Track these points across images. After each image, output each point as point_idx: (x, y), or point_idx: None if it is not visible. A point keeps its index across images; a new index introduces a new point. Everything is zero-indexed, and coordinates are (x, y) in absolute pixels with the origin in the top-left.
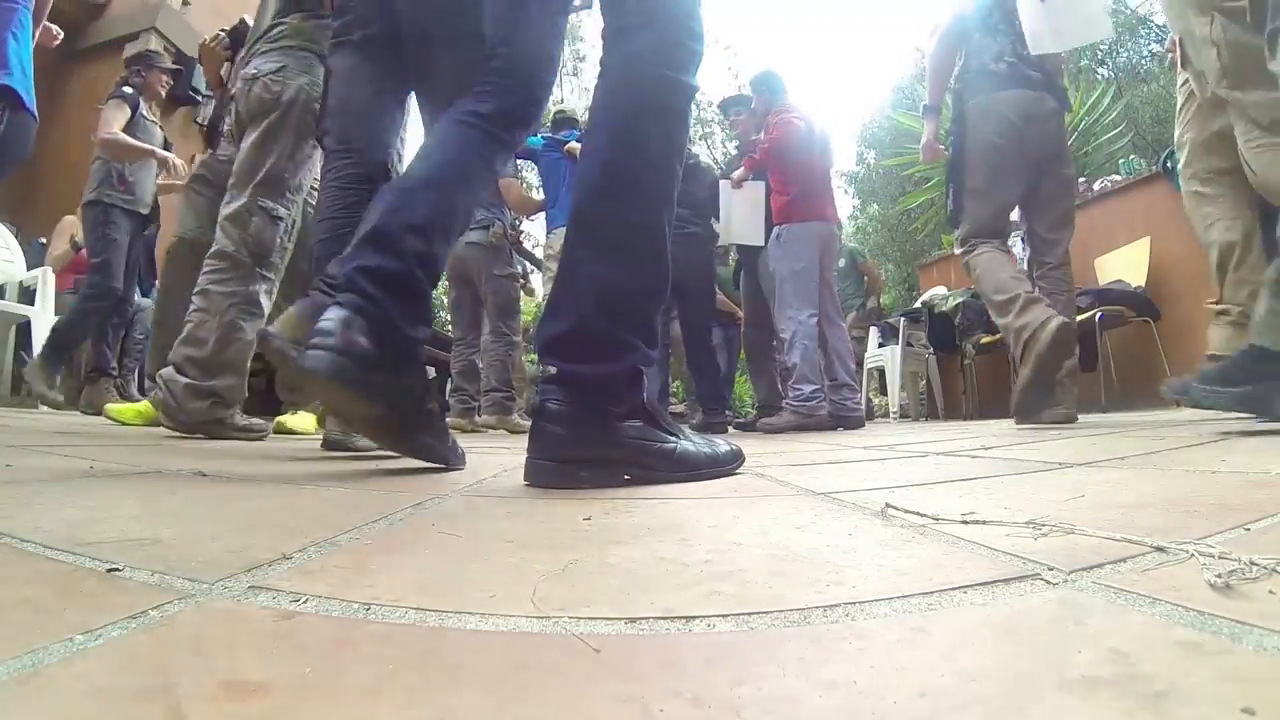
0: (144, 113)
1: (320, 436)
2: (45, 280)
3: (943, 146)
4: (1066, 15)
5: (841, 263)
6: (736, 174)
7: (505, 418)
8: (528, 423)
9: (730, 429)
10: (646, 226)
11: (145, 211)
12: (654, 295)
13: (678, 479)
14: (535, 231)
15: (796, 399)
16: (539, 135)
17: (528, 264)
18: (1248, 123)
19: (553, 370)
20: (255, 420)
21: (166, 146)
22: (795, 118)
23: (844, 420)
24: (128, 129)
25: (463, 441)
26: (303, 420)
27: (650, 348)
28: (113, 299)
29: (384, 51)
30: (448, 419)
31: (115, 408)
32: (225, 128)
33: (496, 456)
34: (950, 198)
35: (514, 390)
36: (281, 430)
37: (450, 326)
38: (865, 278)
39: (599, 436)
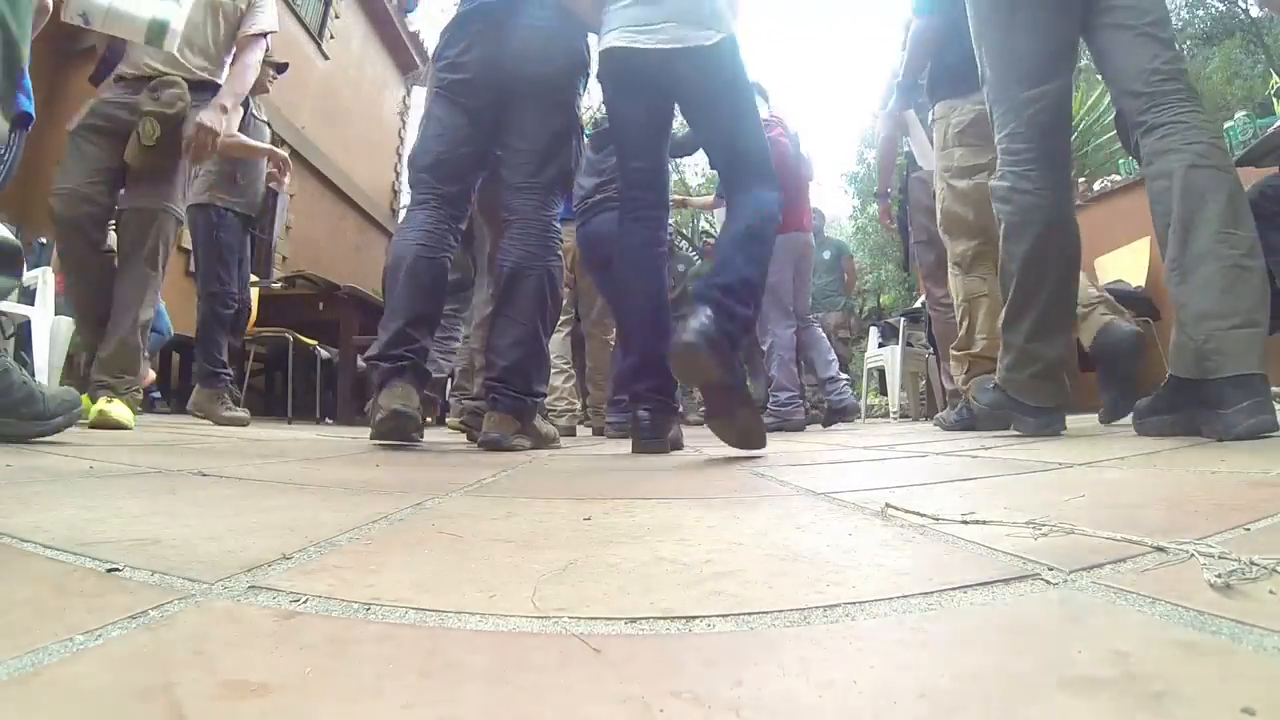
0: (254, 111)
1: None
2: (45, 281)
3: (892, 221)
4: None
5: (826, 255)
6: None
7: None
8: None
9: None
10: (763, 261)
11: (254, 214)
12: (759, 298)
13: (742, 418)
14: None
15: (774, 404)
16: None
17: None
18: (952, 263)
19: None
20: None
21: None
22: (781, 135)
23: (841, 412)
24: (241, 128)
25: (462, 441)
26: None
27: (749, 331)
28: (234, 301)
29: (483, 114)
30: (447, 419)
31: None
32: (120, 70)
33: (496, 456)
34: (905, 250)
35: None
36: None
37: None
38: (845, 276)
39: (725, 357)
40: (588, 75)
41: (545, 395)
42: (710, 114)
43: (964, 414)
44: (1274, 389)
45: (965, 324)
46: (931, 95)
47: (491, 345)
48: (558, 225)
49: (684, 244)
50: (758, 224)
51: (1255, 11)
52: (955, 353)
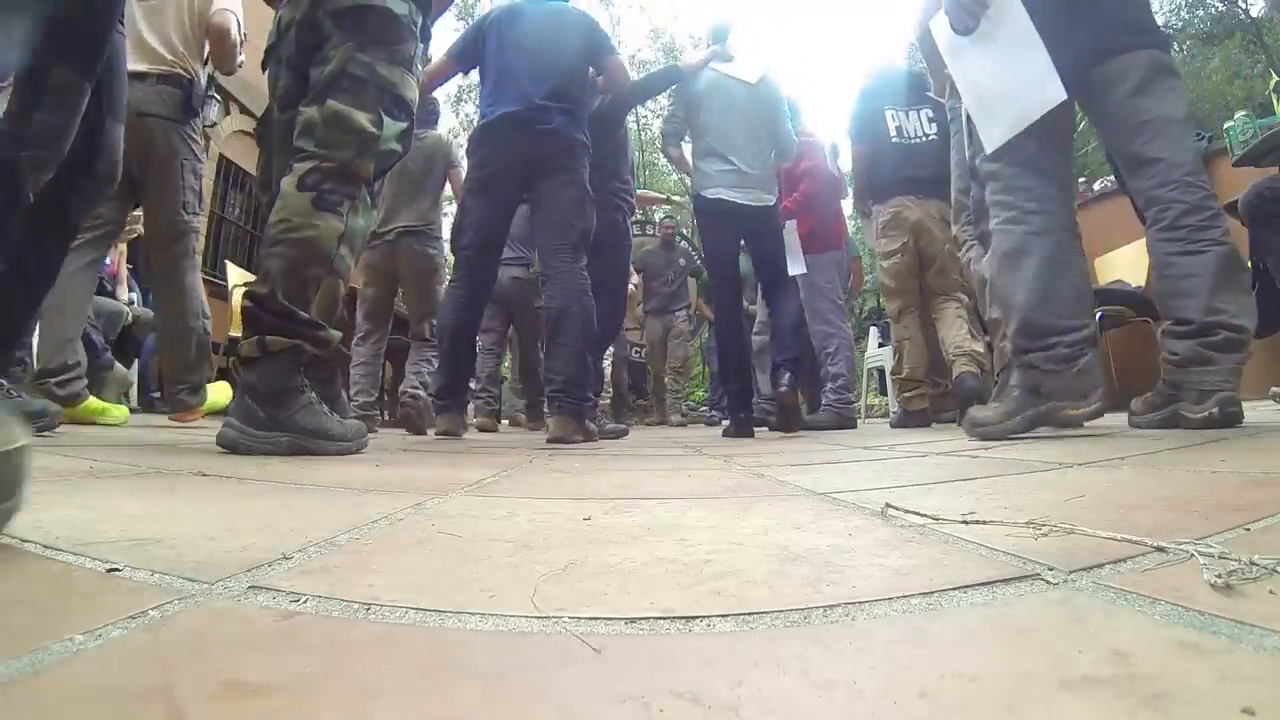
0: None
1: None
2: None
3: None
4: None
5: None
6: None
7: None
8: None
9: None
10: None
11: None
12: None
13: None
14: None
15: (841, 402)
16: None
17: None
18: (889, 314)
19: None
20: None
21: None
22: (822, 160)
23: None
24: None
25: (473, 440)
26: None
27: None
28: None
29: (509, 200)
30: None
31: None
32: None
33: (499, 457)
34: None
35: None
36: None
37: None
38: (851, 276)
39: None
40: (589, 152)
41: (593, 401)
42: (767, 246)
43: (903, 416)
44: (1274, 389)
45: (898, 357)
46: (875, 199)
47: (549, 366)
48: (585, 275)
49: (685, 244)
50: (798, 319)
51: (1255, 11)
52: (892, 376)
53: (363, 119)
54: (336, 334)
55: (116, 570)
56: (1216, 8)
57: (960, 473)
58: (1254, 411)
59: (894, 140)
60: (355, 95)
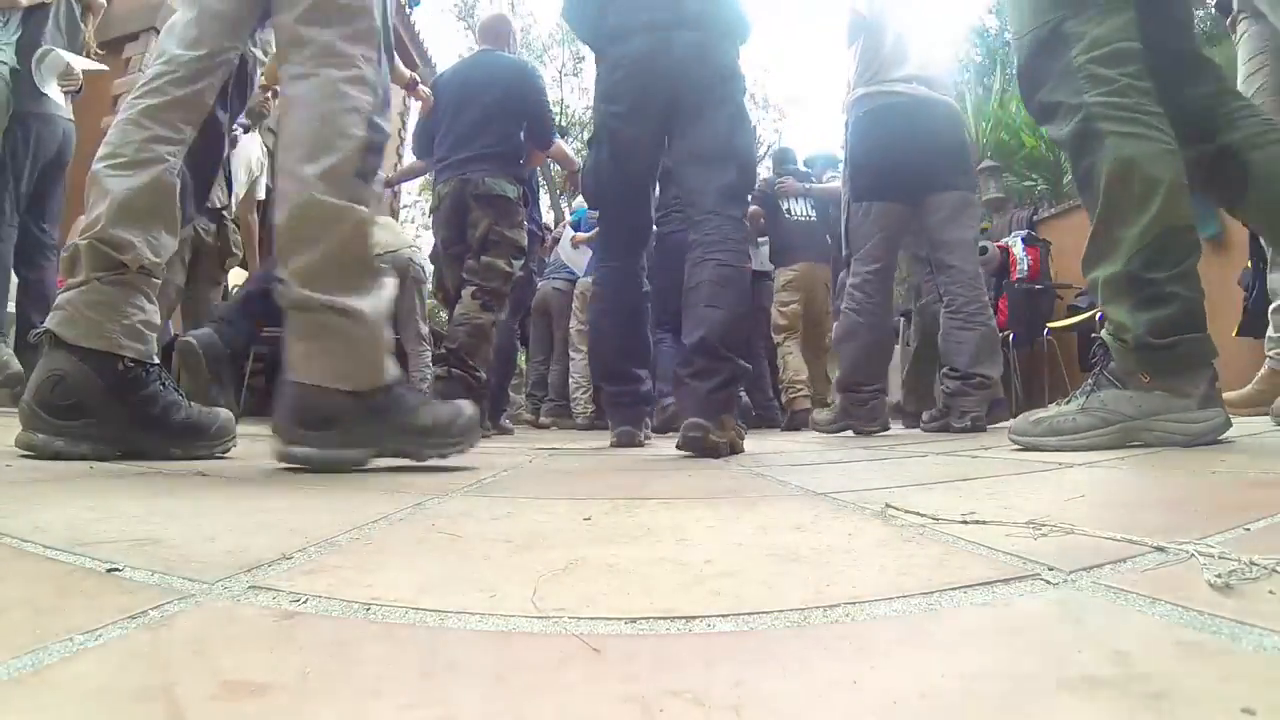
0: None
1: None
2: None
3: None
4: None
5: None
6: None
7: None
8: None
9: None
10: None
11: None
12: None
13: None
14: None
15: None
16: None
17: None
18: (778, 341)
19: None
20: None
21: None
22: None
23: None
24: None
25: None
26: None
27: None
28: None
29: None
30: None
31: None
32: None
33: (500, 457)
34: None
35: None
36: None
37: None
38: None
39: None
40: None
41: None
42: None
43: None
44: (1276, 404)
45: (783, 367)
46: (780, 261)
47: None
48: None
49: None
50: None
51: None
52: (781, 383)
53: (502, 264)
54: (484, 374)
55: (116, 570)
56: None
57: (960, 473)
58: (1255, 415)
59: (789, 218)
60: (498, 250)
